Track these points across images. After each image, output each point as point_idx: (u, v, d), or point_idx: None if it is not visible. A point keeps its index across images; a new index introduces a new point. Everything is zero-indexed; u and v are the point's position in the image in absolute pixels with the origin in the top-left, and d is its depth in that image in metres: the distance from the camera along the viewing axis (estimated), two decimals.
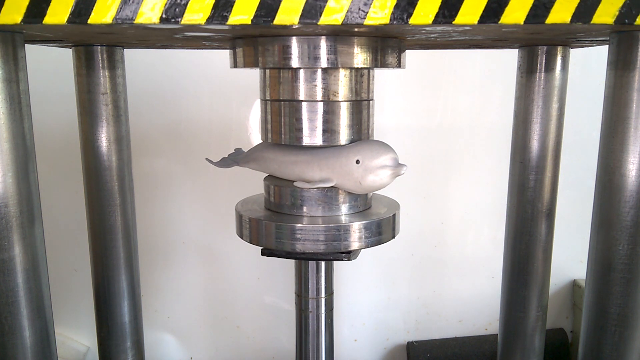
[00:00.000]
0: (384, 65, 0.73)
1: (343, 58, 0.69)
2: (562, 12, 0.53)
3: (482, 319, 1.73)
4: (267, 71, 0.75)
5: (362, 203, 0.80)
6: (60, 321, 1.51)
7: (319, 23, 0.53)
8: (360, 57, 0.70)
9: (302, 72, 0.72)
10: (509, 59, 1.08)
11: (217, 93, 1.53)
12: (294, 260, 0.87)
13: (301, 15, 0.53)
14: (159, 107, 1.51)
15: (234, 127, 1.56)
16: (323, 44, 0.68)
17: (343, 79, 0.73)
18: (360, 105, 0.76)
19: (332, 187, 0.76)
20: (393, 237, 0.80)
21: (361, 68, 0.73)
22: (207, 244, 1.63)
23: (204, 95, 1.53)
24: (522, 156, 1.00)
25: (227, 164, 0.91)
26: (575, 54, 1.00)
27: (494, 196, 1.57)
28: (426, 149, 1.61)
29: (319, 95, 0.73)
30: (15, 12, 0.52)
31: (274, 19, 0.53)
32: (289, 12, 0.53)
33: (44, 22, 0.52)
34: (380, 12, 0.53)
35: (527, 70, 0.97)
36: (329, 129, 0.74)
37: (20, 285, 0.61)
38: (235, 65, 0.77)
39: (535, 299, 1.04)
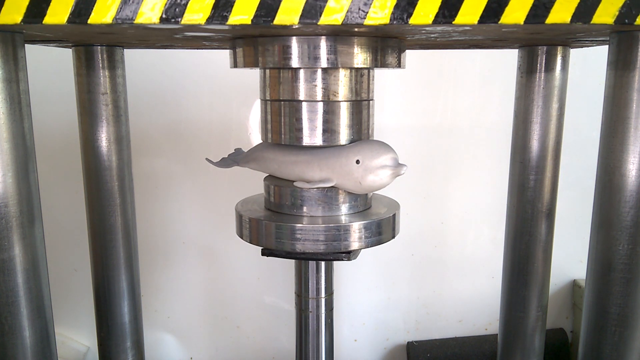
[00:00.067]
0: (384, 65, 0.73)
1: (343, 58, 0.69)
2: (562, 12, 0.53)
3: (482, 319, 1.73)
4: (267, 71, 0.75)
5: (362, 203, 0.80)
6: (60, 321, 1.51)
7: (319, 23, 0.53)
8: (360, 57, 0.70)
9: (302, 72, 0.72)
10: (509, 59, 1.08)
11: (217, 93, 1.53)
12: (294, 260, 0.87)
13: (301, 15, 0.53)
14: (159, 107, 1.51)
15: (234, 127, 1.56)
16: (323, 44, 0.68)
17: (343, 79, 0.73)
18: (360, 105, 0.76)
19: (332, 187, 0.76)
20: (393, 237, 0.80)
21: (361, 68, 0.73)
22: (207, 244, 1.63)
23: (204, 95, 1.53)
24: (522, 156, 1.00)
25: (227, 164, 0.91)
26: (575, 54, 1.00)
27: (494, 196, 1.57)
28: (426, 149, 1.61)
29: (319, 95, 0.73)
30: (15, 12, 0.52)
31: (274, 19, 0.53)
32: (289, 12, 0.53)
33: (44, 22, 0.52)
34: (380, 12, 0.53)
35: (527, 70, 0.97)
36: (329, 129, 0.74)
37: (20, 285, 0.61)
38: (235, 65, 0.77)
39: (535, 299, 1.04)
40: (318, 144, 0.75)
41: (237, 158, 0.90)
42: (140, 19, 0.52)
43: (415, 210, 1.62)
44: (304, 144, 0.75)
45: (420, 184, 1.62)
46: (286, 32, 0.67)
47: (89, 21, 0.52)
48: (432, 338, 1.71)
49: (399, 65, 0.76)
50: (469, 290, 1.72)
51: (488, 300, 1.69)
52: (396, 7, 0.53)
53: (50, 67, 1.37)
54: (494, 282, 1.61)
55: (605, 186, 0.64)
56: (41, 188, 0.64)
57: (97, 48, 0.93)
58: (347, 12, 0.53)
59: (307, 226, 0.74)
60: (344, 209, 0.78)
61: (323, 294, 0.89)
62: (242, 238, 0.81)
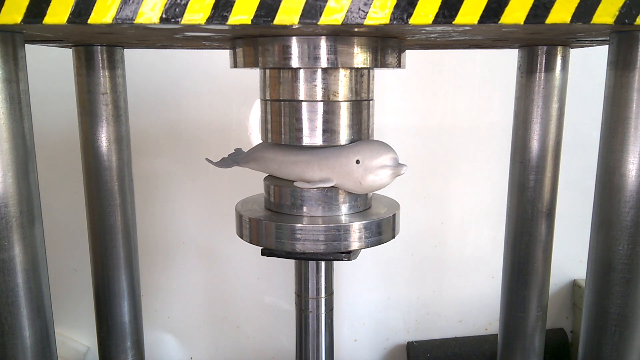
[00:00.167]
0: (384, 65, 0.73)
1: (343, 58, 0.69)
2: (562, 12, 0.53)
3: (482, 319, 1.73)
4: (267, 71, 0.75)
5: (362, 203, 0.80)
6: (60, 321, 1.51)
7: (319, 23, 0.53)
8: (360, 57, 0.70)
9: (302, 72, 0.72)
10: (509, 59, 1.08)
11: (217, 93, 1.53)
12: (294, 260, 0.87)
13: (301, 15, 0.53)
14: (159, 107, 1.51)
15: (234, 127, 1.56)
16: (323, 44, 0.68)
17: (343, 79, 0.73)
18: (360, 105, 0.76)
19: (332, 187, 0.76)
20: (393, 237, 0.80)
21: (361, 68, 0.73)
22: (207, 244, 1.63)
23: (204, 95, 1.53)
24: (522, 156, 1.00)
25: (227, 164, 0.91)
26: (575, 54, 1.00)
27: (494, 196, 1.57)
28: (426, 149, 1.61)
29: (319, 95, 0.73)
30: (15, 12, 0.52)
31: (274, 19, 0.53)
32: (289, 12, 0.53)
33: (44, 22, 0.52)
34: (380, 12, 0.53)
35: (527, 70, 0.97)
36: (329, 129, 0.74)
37: (20, 285, 0.61)
38: (235, 65, 0.77)
39: (535, 299, 1.04)
40: (318, 144, 0.75)
41: (237, 158, 0.90)
42: (140, 19, 0.52)
43: (415, 210, 1.62)
44: (304, 144, 0.75)
45: (420, 184, 1.62)
46: (286, 32, 0.67)
47: (89, 21, 0.52)
48: (432, 338, 1.71)
49: (399, 65, 0.76)
50: (469, 290, 1.72)
51: (488, 300, 1.69)
52: (396, 7, 0.53)
53: (50, 67, 1.37)
54: (494, 282, 1.61)
55: (605, 186, 0.64)
56: (41, 188, 0.64)
57: (97, 48, 0.93)
58: (347, 12, 0.53)
59: (307, 226, 0.74)
60: (344, 209, 0.78)
61: (323, 294, 0.89)
62: (242, 238, 0.81)
